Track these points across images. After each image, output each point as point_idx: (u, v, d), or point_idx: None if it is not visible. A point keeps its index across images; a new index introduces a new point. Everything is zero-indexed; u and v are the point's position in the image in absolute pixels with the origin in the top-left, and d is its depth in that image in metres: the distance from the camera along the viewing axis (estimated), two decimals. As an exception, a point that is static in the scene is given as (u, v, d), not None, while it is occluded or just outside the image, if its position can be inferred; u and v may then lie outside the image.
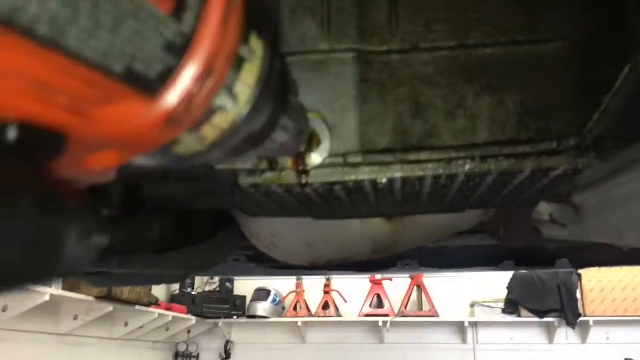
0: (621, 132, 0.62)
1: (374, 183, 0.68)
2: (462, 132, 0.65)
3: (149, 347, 6.56)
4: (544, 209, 1.08)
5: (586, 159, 0.64)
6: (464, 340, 7.12)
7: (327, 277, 7.13)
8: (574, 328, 6.75)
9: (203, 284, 7.51)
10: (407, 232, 1.08)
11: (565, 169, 0.65)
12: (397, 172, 0.66)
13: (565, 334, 6.95)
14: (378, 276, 7.05)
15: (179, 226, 1.15)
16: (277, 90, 0.46)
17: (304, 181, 0.65)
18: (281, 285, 7.30)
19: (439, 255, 1.85)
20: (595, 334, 6.74)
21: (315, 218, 0.93)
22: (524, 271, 6.66)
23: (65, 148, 0.37)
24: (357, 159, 0.66)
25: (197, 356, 7.40)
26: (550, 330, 6.90)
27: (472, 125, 0.65)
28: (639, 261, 1.71)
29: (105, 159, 0.40)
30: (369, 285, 7.10)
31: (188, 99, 0.36)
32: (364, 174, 0.66)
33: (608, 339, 6.80)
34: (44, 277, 0.40)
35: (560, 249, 1.68)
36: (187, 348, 7.29)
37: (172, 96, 0.36)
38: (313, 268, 1.79)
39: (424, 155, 0.66)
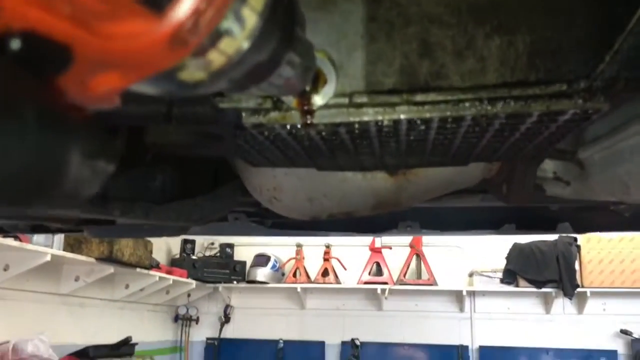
0: (633, 74, 0.60)
1: (378, 125, 0.67)
2: (471, 73, 0.64)
3: (149, 309, 6.64)
4: (548, 166, 1.07)
5: (596, 102, 0.63)
6: (462, 309, 7.20)
7: (326, 244, 7.17)
8: (571, 299, 6.81)
9: (203, 248, 7.56)
10: (409, 187, 1.08)
11: (574, 112, 0.64)
12: (403, 113, 0.65)
13: (562, 305, 7.02)
14: (377, 244, 7.10)
15: (180, 178, 1.14)
16: (284, 21, 0.45)
17: (308, 121, 0.65)
18: (281, 251, 7.35)
19: (440, 218, 1.85)
20: (592, 305, 6.82)
21: (319, 169, 0.93)
22: (523, 242, 6.69)
23: (70, 63, 0.36)
24: (363, 99, 0.65)
25: (197, 319, 7.49)
26: (547, 301, 6.97)
27: (480, 66, 0.64)
28: (635, 227, 1.71)
29: (109, 80, 0.39)
30: (369, 253, 7.15)
31: (195, 17, 0.35)
32: (369, 115, 0.65)
33: (604, 310, 6.87)
34: (47, 196, 0.40)
35: (561, 212, 1.68)
36: (187, 311, 7.38)
37: (179, 13, 0.35)
38: (313, 227, 1.80)
39: (430, 96, 0.65)
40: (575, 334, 6.90)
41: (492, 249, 6.96)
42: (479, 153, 0.83)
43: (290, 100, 0.64)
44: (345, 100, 0.65)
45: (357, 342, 7.16)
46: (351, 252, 7.29)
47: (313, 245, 7.25)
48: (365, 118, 0.65)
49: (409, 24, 0.64)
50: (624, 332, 6.71)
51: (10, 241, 4.04)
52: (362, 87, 0.65)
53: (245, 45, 0.37)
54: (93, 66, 0.37)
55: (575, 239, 6.66)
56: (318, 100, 0.64)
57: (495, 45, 0.63)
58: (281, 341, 7.25)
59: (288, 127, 0.67)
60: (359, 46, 0.65)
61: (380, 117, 0.65)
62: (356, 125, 0.67)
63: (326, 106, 0.65)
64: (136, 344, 5.75)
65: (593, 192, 0.99)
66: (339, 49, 0.65)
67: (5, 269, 4.19)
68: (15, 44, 0.34)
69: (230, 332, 7.50)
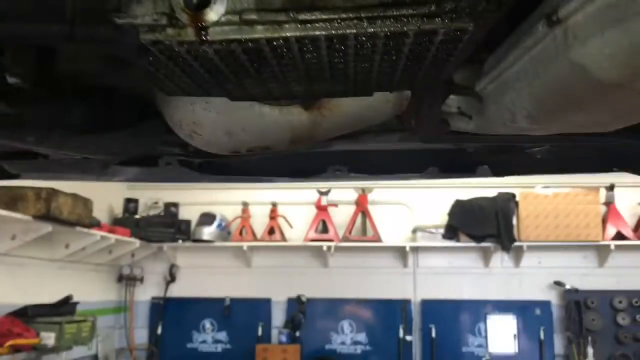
0: (492, -5, 0.67)
1: (271, 44, 0.72)
2: (352, -6, 0.69)
3: (91, 269, 6.57)
4: (452, 101, 1.15)
5: (462, 22, 0.69)
6: (405, 265, 7.39)
7: (272, 202, 7.22)
8: (508, 252, 7.08)
9: (147, 208, 7.49)
10: (324, 122, 1.13)
11: (444, 32, 0.70)
12: (291, 31, 0.70)
13: (500, 259, 7.29)
14: (324, 202, 7.18)
15: (104, 113, 1.16)
16: None
17: (202, 37, 0.68)
18: (227, 210, 7.35)
19: (367, 162, 1.92)
20: (528, 258, 7.11)
21: (231, 98, 0.96)
22: (464, 198, 6.91)
23: None
24: (252, 16, 0.69)
25: (142, 279, 7.47)
26: (486, 255, 7.23)
27: (360, -13, 0.69)
28: (551, 169, 1.82)
29: None
30: (315, 211, 7.23)
31: None
32: (259, 33, 0.70)
33: (539, 263, 7.18)
34: None
35: (479, 155, 1.77)
36: (131, 271, 7.34)
37: None
38: (245, 172, 1.84)
39: (315, 15, 0.69)
40: (512, 286, 7.21)
41: (435, 206, 7.15)
42: (376, 80, 0.89)
43: (185, 18, 0.68)
44: (237, 18, 0.69)
45: (303, 298, 7.30)
46: (297, 210, 7.36)
47: (259, 204, 7.29)
48: (256, 35, 0.70)
49: (294, -57, 0.68)
50: (557, 283, 7.06)
51: (-58, 199, 3.93)
52: (252, 4, 0.69)
53: None
54: None
55: (514, 195, 6.92)
56: (210, 16, 0.68)
57: (373, -33, 0.68)
58: (228, 299, 7.32)
59: (185, 45, 0.71)
60: (249, -37, 0.69)
61: (269, 34, 0.70)
62: (249, 44, 0.71)
63: (219, 23, 0.68)
64: (77, 303, 5.70)
65: (489, 124, 1.07)
66: (230, -34, 0.68)
67: (-64, 228, 4.08)
68: None
69: (177, 291, 7.51)
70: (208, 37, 0.69)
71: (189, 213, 7.44)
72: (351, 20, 0.69)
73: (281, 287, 7.38)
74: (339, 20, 0.69)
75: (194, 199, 7.32)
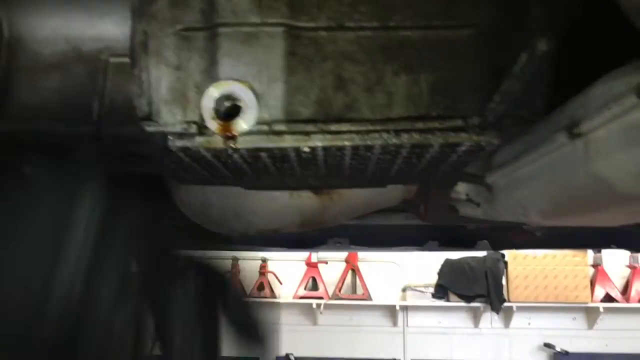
0: (518, 112, 0.68)
1: (297, 151, 0.73)
2: (380, 107, 0.71)
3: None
4: (461, 188, 1.16)
5: (487, 136, 0.71)
6: (395, 323, 7.30)
7: (263, 258, 7.16)
8: (498, 313, 7.02)
9: (136, 262, 7.40)
10: (334, 206, 1.14)
11: (470, 145, 0.72)
12: (319, 142, 0.71)
13: (490, 319, 7.21)
14: (314, 259, 7.13)
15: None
16: None
17: (231, 146, 0.69)
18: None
19: (368, 235, 1.92)
20: (517, 319, 7.04)
21: (245, 187, 0.97)
22: (454, 258, 6.90)
23: None
24: (282, 127, 0.71)
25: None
26: (476, 315, 7.16)
27: (388, 100, 0.71)
28: (550, 245, 1.83)
29: None
30: (305, 267, 7.17)
31: None
32: (288, 142, 0.71)
33: (529, 324, 7.11)
34: None
35: (480, 230, 1.78)
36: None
37: None
38: (246, 242, 1.83)
39: (343, 127, 0.71)
40: (502, 347, 7.12)
41: (425, 265, 7.12)
42: (392, 177, 0.90)
43: (215, 126, 0.69)
44: (266, 128, 0.70)
45: (292, 357, 7.15)
46: (287, 266, 7.29)
47: (249, 259, 7.22)
48: (284, 144, 0.71)
49: (325, 59, 0.70)
50: (547, 345, 6.98)
51: None
52: (282, 116, 0.71)
53: None
54: None
55: (503, 256, 6.92)
56: (240, 127, 0.69)
57: (401, 82, 0.70)
58: (214, 357, 7.17)
59: (212, 151, 0.72)
60: (279, 78, 0.70)
61: (297, 144, 0.71)
62: (276, 151, 0.72)
63: (248, 133, 0.70)
64: None
65: (499, 213, 1.08)
66: (260, 80, 0.70)
67: None
68: None
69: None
70: (237, 146, 0.70)
71: (177, 267, 7.35)
72: (378, 132, 0.70)
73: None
74: (366, 132, 0.70)
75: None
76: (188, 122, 0.71)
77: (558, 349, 6.92)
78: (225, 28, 0.69)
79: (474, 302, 7.00)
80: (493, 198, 1.07)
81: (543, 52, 0.58)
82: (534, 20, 0.65)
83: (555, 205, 0.87)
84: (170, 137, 0.72)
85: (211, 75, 0.70)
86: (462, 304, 7.02)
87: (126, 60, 0.73)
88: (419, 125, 0.70)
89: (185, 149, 0.72)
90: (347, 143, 0.71)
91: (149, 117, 0.72)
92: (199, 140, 0.71)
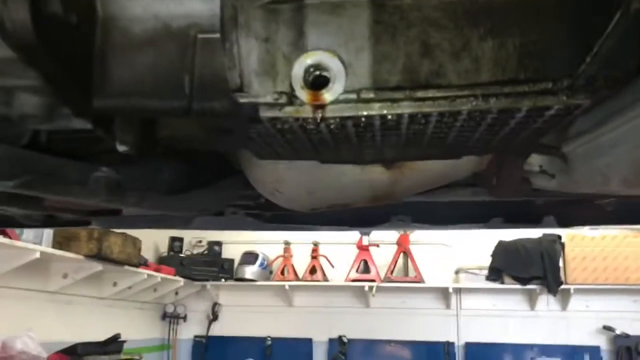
0: (610, 73, 0.68)
1: (383, 119, 0.74)
2: (467, 73, 0.71)
3: (137, 307, 6.65)
4: (535, 160, 1.14)
5: (578, 99, 0.70)
6: (448, 306, 7.29)
7: (314, 242, 7.23)
8: (555, 295, 6.92)
9: (191, 246, 7.58)
10: (404, 180, 1.14)
11: (559, 108, 0.72)
12: (406, 109, 0.72)
13: (546, 301, 7.12)
14: (365, 242, 7.17)
15: (187, 170, 1.20)
16: None
17: (319, 115, 0.71)
18: (269, 249, 7.39)
19: (431, 212, 1.92)
20: (575, 301, 6.93)
21: (322, 161, 0.99)
22: (508, 240, 6.80)
23: None
24: (370, 94, 0.72)
25: (185, 317, 7.51)
26: (532, 298, 7.07)
27: (475, 66, 0.71)
28: (620, 220, 1.79)
29: None
30: (356, 251, 7.21)
31: None
32: (375, 109, 0.72)
33: (587, 306, 6.99)
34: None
35: (546, 206, 1.75)
36: (175, 309, 7.39)
37: None
38: (308, 222, 1.86)
39: (430, 93, 0.71)
40: (559, 330, 7.02)
41: (478, 247, 7.06)
42: (471, 146, 0.90)
43: (304, 96, 0.71)
44: (354, 96, 0.72)
45: (344, 339, 7.23)
46: (339, 249, 7.36)
47: (301, 243, 7.31)
48: (372, 112, 0.72)
49: (410, 27, 0.71)
50: (607, 328, 6.84)
51: (-1, 238, 4.06)
52: (369, 84, 0.72)
53: None
54: None
55: (560, 237, 6.79)
56: (329, 96, 0.71)
57: (488, 46, 0.70)
58: (269, 338, 7.30)
59: (300, 120, 0.74)
60: (366, 47, 0.71)
61: (385, 112, 0.72)
62: (363, 119, 0.74)
63: (336, 101, 0.71)
64: (125, 341, 5.76)
65: (576, 184, 1.07)
66: (347, 49, 0.71)
67: (-7, 267, 4.19)
68: None
69: (219, 329, 7.53)
70: (325, 115, 0.71)
71: (231, 252, 7.50)
72: (466, 97, 0.71)
73: (322, 327, 7.33)
74: (453, 98, 0.71)
75: (237, 237, 7.38)
76: (278, 92, 0.73)
77: (618, 332, 6.78)
78: (311, 0, 0.71)
79: (530, 284, 6.90)
80: (570, 168, 1.06)
81: (637, 10, 0.57)
82: (628, -23, 0.64)
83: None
84: (261, 108, 0.74)
85: (299, 46, 0.72)
86: (517, 286, 6.95)
87: (213, 35, 0.75)
88: (507, 89, 0.70)
89: (275, 119, 0.74)
90: (434, 109, 0.72)
91: (240, 89, 0.74)
92: (289, 109, 0.73)
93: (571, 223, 1.84)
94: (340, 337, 7.24)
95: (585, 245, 6.68)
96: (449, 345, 7.16)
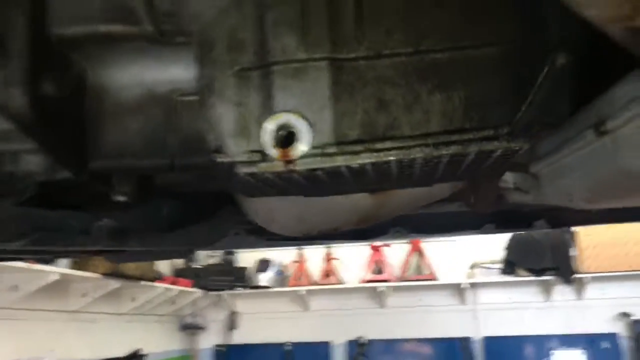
0: (544, 120, 0.75)
1: (348, 167, 0.82)
2: (418, 124, 0.79)
3: (156, 320, 6.76)
4: (509, 177, 1.22)
5: (518, 142, 0.78)
6: (463, 302, 7.32)
7: (327, 246, 7.30)
8: (568, 284, 6.92)
9: (206, 257, 7.68)
10: (387, 204, 1.22)
11: (502, 151, 0.79)
12: (367, 159, 0.80)
13: (561, 292, 7.13)
14: (378, 243, 7.22)
15: (183, 207, 1.29)
16: None
17: (290, 168, 0.79)
18: (283, 255, 7.47)
19: (427, 222, 2.00)
20: (591, 289, 6.93)
21: (306, 196, 1.07)
22: (521, 232, 6.83)
23: None
24: (333, 149, 0.80)
25: (204, 327, 7.63)
26: (547, 288, 7.09)
27: (426, 117, 0.79)
28: (606, 220, 1.85)
29: None
30: (369, 252, 7.27)
31: None
32: (339, 161, 0.80)
33: (603, 294, 6.98)
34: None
35: (535, 211, 1.82)
36: (193, 320, 7.51)
37: None
38: (306, 239, 1.94)
39: (387, 144, 0.80)
40: (576, 319, 7.02)
41: (490, 241, 7.08)
42: (438, 178, 0.98)
43: (275, 153, 0.79)
44: (319, 151, 0.80)
45: (362, 340, 7.29)
46: (352, 251, 7.42)
47: (314, 248, 7.38)
48: (336, 164, 0.80)
49: (366, 85, 0.79)
50: (624, 314, 6.84)
51: (18, 263, 4.18)
52: (332, 139, 0.80)
53: None
54: None
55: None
56: (297, 152, 0.79)
57: (437, 100, 0.78)
58: (289, 344, 7.38)
59: (275, 174, 0.82)
60: (327, 106, 0.80)
61: (347, 163, 0.80)
62: (329, 170, 0.82)
63: (304, 156, 0.79)
64: (146, 355, 5.88)
65: (547, 199, 1.14)
66: (311, 109, 0.80)
67: (14, 289, 4.31)
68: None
69: (238, 337, 7.63)
70: (295, 168, 0.79)
71: (246, 260, 7.59)
72: (419, 146, 0.79)
73: (340, 329, 7.40)
74: (407, 147, 0.79)
75: (250, 246, 7.46)
76: (252, 152, 0.81)
77: (636, 317, 6.78)
78: (276, 66, 0.79)
79: (544, 275, 6.92)
80: (540, 185, 1.13)
81: (562, 65, 0.64)
82: (553, 36, 0.71)
83: (595, 193, 0.93)
84: (237, 165, 0.82)
85: (268, 109, 0.80)
86: (532, 278, 6.96)
87: (194, 98, 0.84)
88: (455, 137, 0.78)
89: (251, 174, 0.83)
90: (392, 158, 0.80)
91: (218, 150, 0.82)
92: (263, 165, 0.81)
93: (560, 224, 1.90)
94: (358, 339, 7.31)
95: (597, 233, 6.67)
96: (467, 340, 7.20)
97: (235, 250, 7.59)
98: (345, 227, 1.30)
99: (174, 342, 7.34)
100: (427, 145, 0.78)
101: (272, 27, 0.79)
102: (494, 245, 7.02)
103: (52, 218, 1.00)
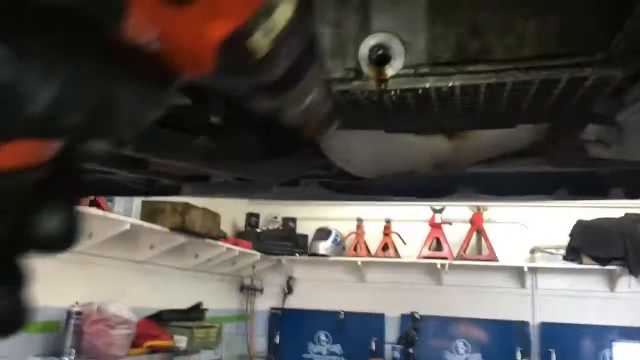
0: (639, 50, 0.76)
1: (438, 90, 0.85)
2: (511, 48, 0.81)
3: (217, 279, 6.99)
4: (591, 129, 1.21)
5: (612, 71, 0.78)
6: (523, 285, 7.21)
7: (387, 219, 7.33)
8: (636, 276, 6.71)
9: (267, 222, 7.85)
10: (465, 148, 1.24)
11: (595, 78, 0.80)
12: (457, 81, 0.83)
13: (627, 283, 6.92)
14: (437, 220, 7.19)
15: (267, 142, 1.34)
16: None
17: (382, 88, 0.83)
18: (342, 225, 7.55)
19: (496, 184, 1.99)
20: (659, 283, 6.69)
21: (387, 131, 1.11)
22: (587, 219, 6.62)
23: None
24: (425, 69, 0.83)
25: (262, 290, 7.83)
26: (611, 278, 6.89)
27: (519, 42, 0.81)
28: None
29: (217, 29, 0.40)
30: (429, 228, 7.25)
31: None
32: (430, 82, 0.84)
33: (671, 288, 6.74)
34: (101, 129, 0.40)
35: (613, 177, 1.78)
36: (252, 282, 7.72)
37: None
38: (378, 192, 1.97)
39: (479, 67, 0.82)
40: (640, 312, 6.81)
41: (555, 226, 6.93)
42: (522, 115, 0.99)
43: (369, 72, 0.83)
44: (412, 71, 0.83)
45: (417, 315, 7.31)
46: (411, 227, 7.42)
47: (373, 220, 7.42)
48: (427, 85, 0.83)
49: (462, 9, 0.82)
50: (691, 310, 6.58)
51: (95, 210, 4.41)
52: (425, 59, 0.83)
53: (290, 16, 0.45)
54: (208, 13, 0.39)
55: (642, 217, 6.56)
56: (390, 71, 0.82)
57: (531, 25, 0.80)
58: (342, 312, 7.49)
59: (366, 93, 0.86)
60: (422, 28, 0.83)
61: (439, 84, 0.83)
62: (420, 91, 0.85)
63: (397, 76, 0.83)
64: (206, 309, 6.11)
65: (631, 152, 1.13)
66: (406, 30, 0.83)
67: (89, 237, 4.55)
68: None
69: (293, 302, 7.80)
70: (387, 88, 0.83)
71: (306, 228, 7.72)
72: (510, 70, 0.81)
73: (394, 303, 7.44)
74: (498, 71, 0.81)
75: (311, 214, 7.58)
76: (347, 69, 0.85)
77: (702, 313, 6.50)
78: (375, -12, 0.83)
79: (610, 265, 6.72)
80: (624, 137, 1.12)
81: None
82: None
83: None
84: (333, 82, 0.87)
85: (365, 29, 0.84)
86: (597, 266, 6.77)
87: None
88: (547, 62, 0.80)
89: (344, 92, 0.87)
90: (482, 81, 0.82)
91: (314, 68, 0.87)
92: (356, 83, 0.85)
93: (639, 195, 1.86)
94: (412, 314, 7.33)
95: (670, 226, 6.41)
96: (524, 324, 7.11)
97: (296, 217, 7.72)
98: (421, 171, 1.33)
99: (233, 301, 7.57)
100: (518, 69, 0.80)
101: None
102: (558, 230, 6.86)
103: (156, 131, 1.07)
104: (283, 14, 0.40)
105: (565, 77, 0.80)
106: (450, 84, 0.83)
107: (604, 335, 6.85)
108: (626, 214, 6.68)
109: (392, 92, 0.85)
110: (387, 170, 1.35)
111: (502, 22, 0.80)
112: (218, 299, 6.98)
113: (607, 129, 1.18)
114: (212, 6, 0.38)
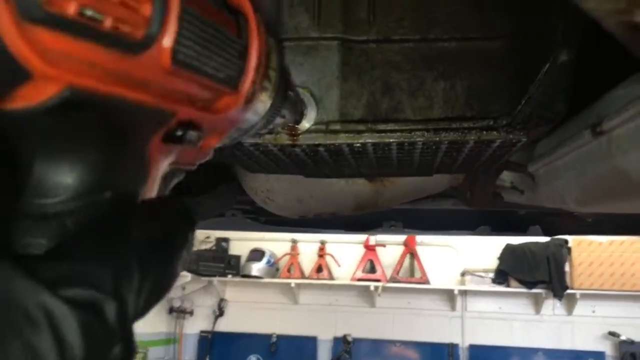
0: (542, 114, 0.78)
1: (350, 146, 0.85)
2: (421, 109, 0.82)
3: (146, 300, 6.75)
4: (506, 177, 1.25)
5: (516, 134, 0.81)
6: (453, 308, 7.30)
7: (321, 240, 7.31)
8: (560, 300, 6.91)
9: (199, 242, 7.67)
10: (385, 192, 1.25)
11: (501, 141, 0.82)
12: (368, 139, 0.83)
13: (552, 306, 7.11)
14: (372, 242, 7.21)
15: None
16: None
17: (294, 142, 0.82)
18: (276, 246, 7.46)
19: (422, 219, 2.02)
20: (581, 306, 6.89)
21: (306, 176, 1.10)
22: (515, 243, 6.83)
23: (203, 134, 0.54)
24: (337, 126, 0.83)
25: (191, 312, 7.62)
26: (537, 302, 7.06)
27: (429, 103, 0.82)
28: (600, 231, 1.88)
29: (212, 141, 0.58)
30: (363, 250, 7.26)
31: (253, 85, 0.53)
32: (342, 139, 0.83)
33: (594, 312, 6.96)
34: None
35: (531, 216, 1.85)
36: (182, 303, 7.50)
37: (246, 84, 0.53)
38: (305, 224, 1.97)
39: (390, 126, 0.82)
40: (564, 334, 7.01)
41: (484, 249, 7.07)
42: (437, 167, 1.01)
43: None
44: (323, 127, 0.83)
45: (349, 338, 7.29)
46: (345, 249, 7.40)
47: (308, 242, 7.38)
48: (339, 141, 0.83)
49: (374, 68, 0.82)
50: (612, 334, 6.83)
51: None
52: (337, 117, 0.83)
53: (273, 94, 0.54)
54: (207, 133, 0.55)
55: (566, 242, 6.80)
56: (302, 126, 0.82)
57: (440, 87, 0.81)
58: (274, 335, 7.38)
59: (278, 146, 0.85)
60: (335, 85, 0.82)
61: (350, 141, 0.83)
62: (331, 147, 0.85)
63: (308, 131, 0.82)
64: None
65: (541, 200, 1.16)
66: (319, 86, 0.82)
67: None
68: (180, 132, 0.51)
69: (224, 325, 7.62)
70: (299, 142, 0.82)
71: (239, 248, 7.57)
72: (420, 130, 0.82)
73: (327, 325, 7.39)
74: (409, 131, 0.82)
75: (245, 235, 7.44)
76: (258, 123, 0.84)
77: (623, 338, 6.76)
78: (289, 42, 0.82)
79: (535, 288, 6.91)
80: (535, 186, 1.16)
81: (563, 62, 0.67)
82: (557, 32, 0.74)
83: (586, 194, 0.96)
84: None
85: (277, 83, 0.83)
86: (523, 289, 6.93)
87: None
88: (455, 124, 0.81)
89: (256, 145, 0.85)
90: (392, 140, 0.82)
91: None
92: (268, 137, 0.84)
93: (555, 232, 1.93)
94: (345, 336, 7.31)
95: (592, 250, 6.67)
96: (453, 347, 7.20)
97: (228, 238, 7.59)
98: (343, 213, 1.33)
99: (161, 325, 7.33)
100: (428, 130, 0.81)
101: (288, 7, 0.82)
102: (487, 253, 7.02)
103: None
104: None
105: (473, 139, 0.82)
106: (362, 141, 0.83)
107: (530, 356, 7.01)
108: (552, 239, 6.90)
109: (304, 147, 0.85)
110: (309, 211, 1.34)
111: (413, 82, 0.81)
112: (145, 323, 6.54)
113: (521, 177, 1.21)
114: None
